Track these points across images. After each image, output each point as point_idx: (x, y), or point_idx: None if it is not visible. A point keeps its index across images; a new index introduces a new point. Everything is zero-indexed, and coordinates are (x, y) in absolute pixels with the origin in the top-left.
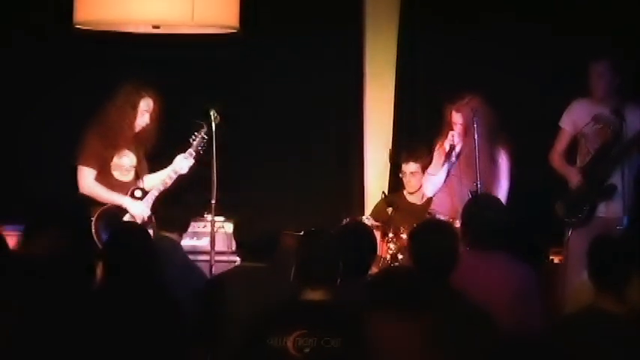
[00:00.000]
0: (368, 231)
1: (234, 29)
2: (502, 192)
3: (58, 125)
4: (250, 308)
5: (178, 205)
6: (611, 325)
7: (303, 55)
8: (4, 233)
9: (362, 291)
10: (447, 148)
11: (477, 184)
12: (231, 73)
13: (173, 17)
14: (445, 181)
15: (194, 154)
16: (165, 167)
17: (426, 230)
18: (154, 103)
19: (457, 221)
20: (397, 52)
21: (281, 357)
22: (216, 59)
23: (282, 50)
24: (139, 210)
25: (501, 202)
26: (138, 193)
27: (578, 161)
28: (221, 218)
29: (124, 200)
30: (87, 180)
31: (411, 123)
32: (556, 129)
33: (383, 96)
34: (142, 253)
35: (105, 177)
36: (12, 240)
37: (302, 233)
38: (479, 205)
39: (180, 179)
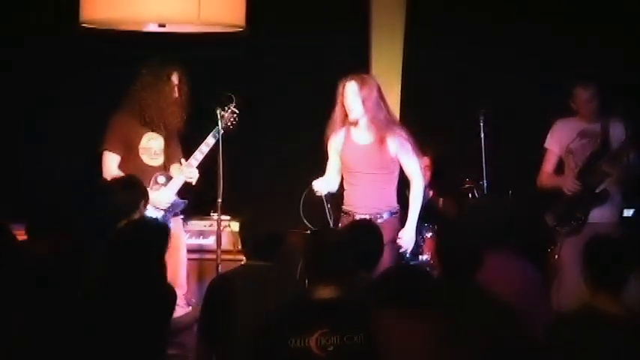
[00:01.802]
0: (376, 229)
1: (240, 28)
2: (411, 171)
3: (63, 124)
4: (256, 307)
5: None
6: (608, 325)
7: (309, 54)
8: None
9: (371, 288)
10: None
11: (482, 183)
12: (237, 72)
13: (179, 16)
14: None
15: (222, 131)
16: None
17: (452, 229)
18: (181, 78)
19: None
20: (403, 51)
21: (304, 357)
22: (222, 58)
23: (288, 49)
24: (157, 198)
25: (504, 201)
26: (161, 179)
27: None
28: (227, 217)
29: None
30: (110, 167)
31: (417, 122)
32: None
33: (389, 95)
34: (145, 251)
35: (132, 161)
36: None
37: (310, 231)
38: (482, 204)
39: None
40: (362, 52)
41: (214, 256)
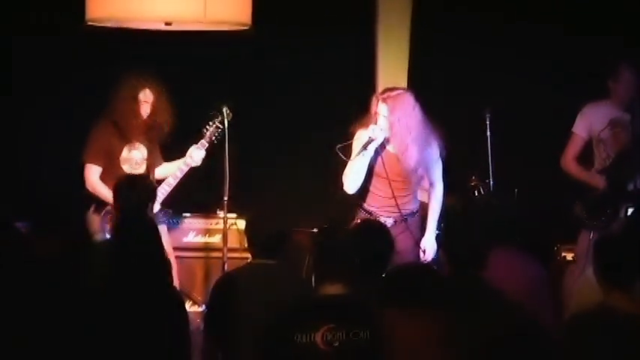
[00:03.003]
0: (385, 229)
1: (247, 26)
2: (437, 191)
3: (67, 123)
4: (262, 305)
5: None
6: (622, 323)
7: (315, 55)
8: None
9: (379, 288)
10: (366, 139)
11: (488, 181)
12: (243, 70)
13: (185, 14)
14: (371, 180)
15: (207, 144)
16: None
17: (458, 226)
18: (155, 93)
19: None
20: (409, 51)
21: (310, 353)
22: (228, 56)
23: (295, 48)
24: None
25: (510, 199)
26: None
27: (596, 165)
28: (233, 215)
29: None
30: (91, 178)
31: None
32: (568, 129)
33: None
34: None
35: (114, 171)
36: None
37: (317, 229)
38: (488, 202)
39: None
40: (368, 52)
41: (220, 255)
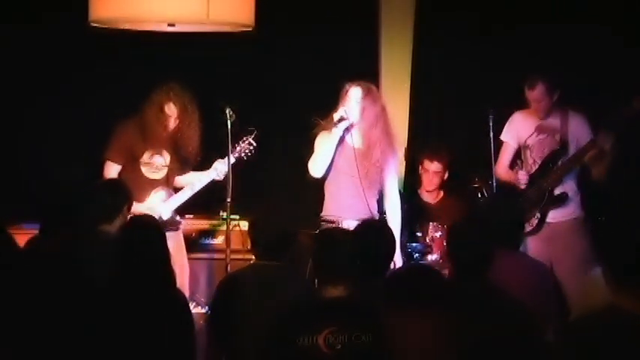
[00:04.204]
0: (387, 229)
1: (249, 28)
2: (392, 192)
3: (70, 123)
4: (265, 306)
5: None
6: (632, 324)
7: (319, 54)
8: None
9: (382, 289)
10: (336, 118)
11: (491, 183)
12: (247, 71)
13: (188, 15)
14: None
15: (234, 159)
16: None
17: (463, 228)
18: (179, 109)
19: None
20: (412, 52)
21: (312, 355)
22: (231, 57)
23: (298, 49)
24: (150, 212)
25: (513, 200)
26: (161, 195)
27: (524, 171)
28: (236, 216)
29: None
30: (109, 175)
31: (427, 122)
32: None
33: (398, 95)
34: (152, 251)
35: (133, 172)
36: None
37: (319, 231)
38: (491, 203)
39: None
40: (371, 52)
41: (224, 256)
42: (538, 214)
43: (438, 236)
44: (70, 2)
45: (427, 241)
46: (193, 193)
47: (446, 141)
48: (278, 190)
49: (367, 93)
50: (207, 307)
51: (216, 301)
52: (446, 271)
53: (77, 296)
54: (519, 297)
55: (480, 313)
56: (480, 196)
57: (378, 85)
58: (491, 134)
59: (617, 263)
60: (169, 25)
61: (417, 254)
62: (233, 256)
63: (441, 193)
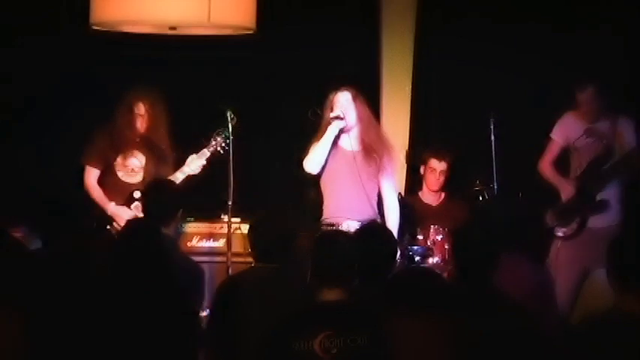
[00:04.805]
0: (388, 233)
1: (251, 30)
2: (389, 193)
3: (71, 125)
4: (265, 309)
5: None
6: (635, 327)
7: (320, 56)
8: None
9: (382, 292)
10: (333, 115)
11: (493, 186)
12: (247, 73)
13: (190, 18)
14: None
15: (208, 154)
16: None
17: (468, 231)
18: (148, 108)
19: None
20: (413, 54)
21: None
22: (232, 59)
23: (299, 51)
24: (128, 215)
25: (514, 204)
26: (137, 195)
27: (570, 173)
28: (237, 219)
29: (109, 206)
30: (88, 179)
31: (428, 125)
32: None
33: (399, 98)
34: (152, 251)
35: (109, 176)
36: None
37: (318, 234)
38: (493, 207)
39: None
40: (372, 55)
41: (225, 259)
42: (578, 219)
43: (439, 239)
44: (72, 5)
45: (428, 243)
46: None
47: (447, 144)
48: (278, 192)
49: (356, 95)
50: (207, 310)
51: (216, 303)
52: (447, 274)
53: (78, 295)
54: (518, 300)
55: (482, 317)
56: (481, 199)
57: (378, 88)
58: (493, 137)
59: (620, 265)
60: (171, 28)
61: (418, 257)
62: (234, 259)
63: (443, 196)
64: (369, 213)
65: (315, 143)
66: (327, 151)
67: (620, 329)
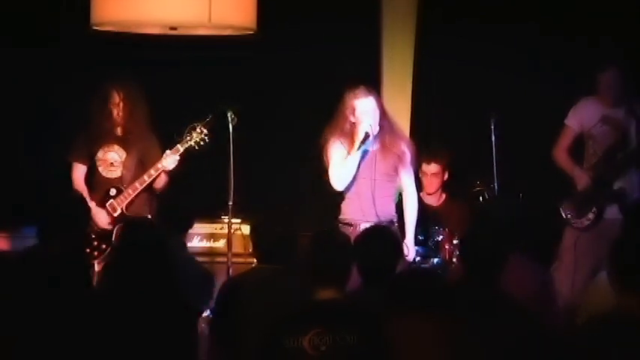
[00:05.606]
0: (393, 234)
1: (251, 31)
2: (408, 184)
3: (71, 125)
4: (267, 310)
5: (181, 206)
6: (637, 327)
7: (320, 56)
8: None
9: (385, 293)
10: (362, 135)
11: (493, 186)
12: (248, 74)
13: (190, 19)
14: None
15: (181, 150)
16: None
17: (477, 233)
18: (122, 96)
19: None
20: (414, 55)
21: (298, 357)
22: (233, 60)
23: (299, 51)
24: (104, 219)
25: (515, 204)
26: (113, 192)
27: (584, 162)
28: (238, 220)
29: (92, 206)
30: (73, 176)
31: (429, 126)
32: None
33: (400, 99)
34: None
35: (92, 173)
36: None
37: (312, 234)
38: (494, 207)
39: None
40: (373, 55)
41: (225, 259)
42: (595, 209)
43: (441, 240)
44: (72, 5)
45: (430, 244)
46: (142, 187)
47: (448, 144)
48: (280, 193)
49: (377, 100)
50: (208, 311)
51: (217, 304)
52: (449, 275)
53: (77, 300)
54: (521, 300)
55: (485, 318)
56: (481, 199)
57: (379, 89)
58: (493, 137)
59: (620, 265)
60: (171, 28)
61: (419, 258)
62: (234, 260)
63: (444, 197)
64: (388, 213)
65: (337, 153)
66: (356, 169)
67: (621, 330)
